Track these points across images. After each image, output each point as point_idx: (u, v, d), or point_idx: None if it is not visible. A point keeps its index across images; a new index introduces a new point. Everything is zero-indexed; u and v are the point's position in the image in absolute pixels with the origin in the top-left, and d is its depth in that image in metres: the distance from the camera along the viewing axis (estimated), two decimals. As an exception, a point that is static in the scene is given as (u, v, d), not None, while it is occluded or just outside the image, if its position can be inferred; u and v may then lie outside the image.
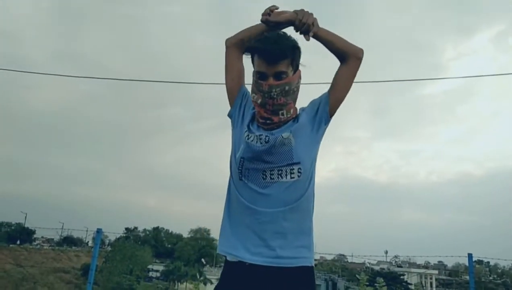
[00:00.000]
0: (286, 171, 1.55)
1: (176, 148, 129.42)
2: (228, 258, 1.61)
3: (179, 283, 48.37)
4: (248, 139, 1.60)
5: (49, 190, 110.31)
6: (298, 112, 1.67)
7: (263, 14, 1.54)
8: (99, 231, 8.29)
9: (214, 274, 53.64)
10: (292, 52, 1.58)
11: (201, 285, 9.55)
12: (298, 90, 1.63)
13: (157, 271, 57.75)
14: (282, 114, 1.58)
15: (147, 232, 73.18)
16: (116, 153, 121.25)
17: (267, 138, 1.57)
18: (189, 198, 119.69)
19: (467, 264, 7.39)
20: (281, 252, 1.52)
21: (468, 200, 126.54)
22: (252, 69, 1.65)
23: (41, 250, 46.88)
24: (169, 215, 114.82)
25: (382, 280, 7.19)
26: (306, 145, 1.58)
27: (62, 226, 44.44)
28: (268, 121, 1.60)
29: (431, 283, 50.29)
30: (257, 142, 1.58)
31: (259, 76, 1.58)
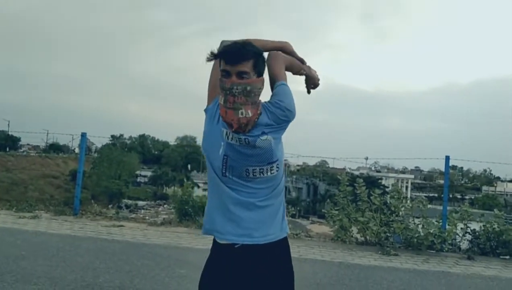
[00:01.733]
0: (267, 169, 1.70)
1: (160, 54, 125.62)
2: (218, 240, 1.76)
3: (167, 187, 50.18)
4: (228, 138, 1.70)
5: (31, 97, 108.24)
6: (260, 110, 1.73)
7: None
8: (83, 135, 8.26)
9: (201, 178, 55.58)
10: (255, 57, 1.69)
11: (191, 189, 9.99)
12: (259, 95, 1.71)
13: (145, 176, 59.44)
14: (242, 113, 1.65)
15: (133, 139, 73.93)
16: (98, 60, 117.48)
17: (246, 140, 1.67)
18: (175, 106, 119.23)
19: (442, 169, 7.71)
20: (266, 230, 1.72)
21: (451, 109, 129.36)
22: None
23: (27, 157, 47.28)
24: (154, 123, 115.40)
25: (362, 180, 7.51)
26: (280, 143, 1.75)
27: (47, 133, 44.35)
28: (232, 125, 1.67)
29: (406, 187, 53.22)
30: (238, 142, 1.68)
31: (223, 74, 1.68)
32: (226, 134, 1.70)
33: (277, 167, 1.73)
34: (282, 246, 1.76)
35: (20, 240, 5.67)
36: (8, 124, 53.02)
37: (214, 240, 1.79)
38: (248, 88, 1.65)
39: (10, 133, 50.80)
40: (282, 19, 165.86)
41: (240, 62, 1.66)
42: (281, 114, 1.74)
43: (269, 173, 1.71)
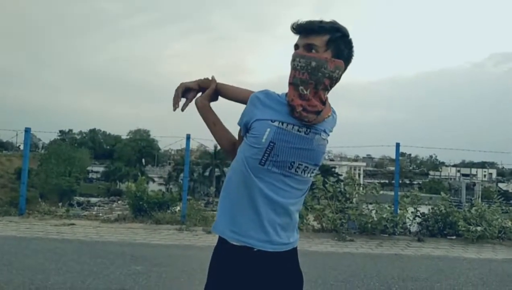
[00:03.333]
0: (309, 170, 1.55)
1: (110, 46, 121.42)
2: (232, 241, 1.55)
3: (120, 183, 48.83)
4: (281, 125, 1.50)
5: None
6: (330, 113, 1.60)
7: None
8: (27, 130, 7.81)
9: (156, 173, 54.59)
10: (332, 33, 1.51)
11: (145, 184, 9.75)
12: (329, 79, 1.51)
13: (97, 172, 57.55)
14: (302, 90, 1.48)
15: (83, 134, 71.25)
16: (45, 52, 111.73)
17: (307, 130, 1.51)
18: (125, 99, 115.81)
19: (392, 156, 8.05)
20: (287, 239, 1.57)
21: (399, 99, 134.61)
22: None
23: (-33, 155, 44.36)
24: (105, 117, 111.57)
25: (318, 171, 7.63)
26: (325, 151, 1.61)
27: (-12, 130, 41.72)
28: (294, 107, 1.49)
29: (359, 174, 54.94)
30: (295, 130, 1.51)
31: (295, 48, 1.54)
32: (280, 122, 1.51)
33: (315, 173, 1.61)
34: (295, 252, 1.65)
35: (-40, 244, 5.28)
36: None
37: (224, 240, 1.59)
38: (313, 63, 1.47)
39: None
40: (234, 9, 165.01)
41: (310, 34, 1.50)
42: (334, 126, 1.66)
43: (309, 175, 1.56)
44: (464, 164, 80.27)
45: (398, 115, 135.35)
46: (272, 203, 1.51)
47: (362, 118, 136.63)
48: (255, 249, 1.51)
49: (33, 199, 12.10)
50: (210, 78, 1.79)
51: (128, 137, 63.02)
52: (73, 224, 6.99)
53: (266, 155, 1.49)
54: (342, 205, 7.38)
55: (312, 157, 1.53)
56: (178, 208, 8.54)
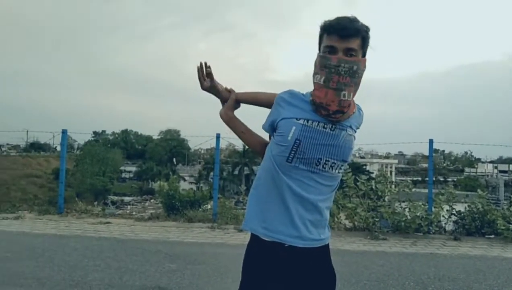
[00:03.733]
0: (337, 166, 1.57)
1: (138, 47, 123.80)
2: (264, 238, 1.58)
3: (152, 182, 49.81)
4: (307, 122, 1.54)
5: (7, 95, 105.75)
6: (355, 110, 1.63)
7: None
8: (64, 131, 8.09)
9: (186, 172, 55.38)
10: (364, 34, 1.53)
11: (177, 183, 9.97)
12: (361, 78, 1.55)
13: (129, 172, 58.86)
14: (344, 96, 1.49)
15: (116, 135, 72.98)
16: (75, 54, 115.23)
17: (333, 126, 1.54)
18: (156, 100, 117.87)
19: (425, 153, 7.86)
20: (318, 235, 1.58)
21: (432, 94, 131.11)
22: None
23: (8, 157, 46.32)
24: (137, 117, 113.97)
25: (348, 167, 7.53)
26: (353, 147, 1.63)
27: (27, 132, 43.47)
28: (328, 109, 1.52)
29: (390, 172, 53.89)
30: (320, 127, 1.54)
31: (328, 50, 1.51)
32: (305, 119, 1.54)
33: (344, 169, 1.62)
34: (327, 249, 1.65)
35: (4, 242, 5.54)
36: (-14, 125, 51.71)
37: (256, 237, 1.61)
38: (355, 67, 1.49)
39: (-12, 133, 49.48)
40: (254, 7, 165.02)
41: (350, 37, 1.50)
42: (361, 123, 1.69)
43: (337, 171, 1.58)
44: (501, 160, 77.20)
45: (431, 110, 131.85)
46: (302, 200, 1.53)
47: (393, 114, 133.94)
48: (286, 245, 1.53)
49: (70, 198, 12.51)
50: (229, 88, 1.83)
51: (159, 137, 64.15)
52: (109, 222, 7.20)
53: (293, 152, 1.52)
54: (374, 203, 7.27)
55: (339, 153, 1.55)
56: (209, 206, 8.65)
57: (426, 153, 7.82)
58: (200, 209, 8.37)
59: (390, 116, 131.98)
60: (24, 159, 45.49)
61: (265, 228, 1.56)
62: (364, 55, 1.57)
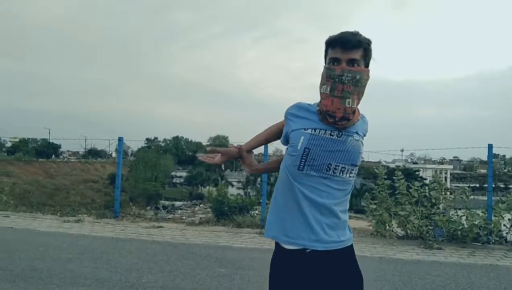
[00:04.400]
0: (348, 170, 1.66)
1: (188, 55, 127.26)
2: (285, 246, 1.67)
3: (202, 187, 50.85)
4: (314, 131, 1.65)
5: (68, 104, 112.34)
6: (360, 117, 1.74)
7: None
8: (120, 139, 8.47)
9: (234, 177, 56.08)
10: (366, 46, 1.66)
11: (223, 189, 10.21)
12: (365, 87, 1.67)
13: (180, 177, 60.45)
14: (348, 103, 1.61)
15: (168, 142, 75.24)
16: (128, 63, 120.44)
17: (340, 133, 1.64)
18: (205, 107, 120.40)
19: (482, 158, 7.50)
20: (337, 237, 1.66)
21: (487, 95, 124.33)
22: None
23: (68, 163, 49.06)
24: (187, 124, 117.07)
25: (400, 173, 7.32)
26: (362, 151, 1.72)
27: (85, 139, 45.88)
28: (334, 116, 1.63)
29: (445, 178, 51.55)
30: (329, 135, 1.64)
31: (332, 61, 1.65)
32: (313, 129, 1.65)
33: (355, 173, 1.71)
34: (351, 250, 1.71)
35: (66, 244, 5.88)
36: (49, 132, 55.37)
37: (278, 247, 1.71)
38: (358, 76, 1.61)
39: (51, 140, 52.85)
40: (302, 12, 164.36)
41: (352, 49, 1.62)
42: (367, 129, 1.82)
43: (348, 175, 1.67)
44: None
45: (488, 112, 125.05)
46: (317, 205, 1.62)
47: (447, 118, 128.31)
48: (307, 250, 1.62)
49: (124, 203, 13.07)
50: (235, 146, 1.99)
51: (208, 143, 65.43)
52: (161, 226, 7.44)
53: (303, 160, 1.62)
54: (428, 211, 7.00)
55: (347, 158, 1.65)
56: (257, 211, 8.70)
57: (484, 158, 7.47)
58: (249, 215, 8.45)
59: (444, 119, 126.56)
60: (82, 165, 48.01)
61: (286, 235, 1.65)
62: (367, 66, 1.68)
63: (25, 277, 4.23)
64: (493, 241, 6.65)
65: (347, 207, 1.73)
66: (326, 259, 1.62)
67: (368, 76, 1.67)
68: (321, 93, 1.67)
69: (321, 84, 1.67)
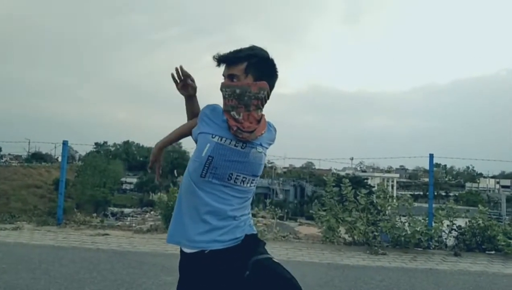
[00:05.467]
0: (248, 181, 1.72)
1: (141, 59, 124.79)
2: (186, 250, 1.72)
3: (153, 194, 49.66)
4: (220, 140, 1.69)
5: (10, 105, 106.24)
6: (265, 130, 1.77)
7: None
8: (65, 143, 8.10)
9: (180, 186, 55.33)
10: (247, 60, 1.70)
11: (175, 194, 9.97)
12: (256, 99, 1.69)
13: (130, 183, 58.86)
14: (233, 115, 1.68)
15: (118, 146, 73.12)
16: (78, 65, 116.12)
17: (244, 145, 1.69)
18: (158, 111, 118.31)
19: (426, 167, 7.79)
20: (234, 235, 1.70)
21: (433, 108, 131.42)
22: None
23: (9, 167, 46.36)
24: (138, 129, 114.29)
25: (348, 181, 7.52)
26: (264, 162, 1.79)
27: (29, 142, 43.60)
28: (234, 129, 1.69)
29: (392, 186, 53.71)
30: (233, 146, 1.69)
31: (223, 77, 1.75)
32: (219, 138, 1.69)
33: (255, 183, 1.78)
34: (252, 237, 1.75)
35: (2, 253, 5.51)
36: (-12, 134, 51.89)
37: (182, 253, 1.76)
38: (238, 90, 1.67)
39: (-11, 143, 49.62)
40: (259, 21, 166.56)
41: (230, 65, 1.71)
42: (273, 138, 1.88)
43: (249, 185, 1.73)
44: (503, 175, 76.88)
45: (432, 124, 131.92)
46: (215, 210, 1.67)
47: (395, 129, 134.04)
48: (206, 251, 1.67)
49: (70, 209, 12.49)
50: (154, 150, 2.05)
51: (160, 148, 64.13)
52: (107, 234, 7.17)
53: (206, 167, 1.67)
54: (374, 217, 7.23)
55: (249, 169, 1.71)
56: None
57: (428, 167, 7.78)
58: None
59: (391, 130, 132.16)
60: (25, 169, 45.53)
61: (188, 239, 1.69)
62: (259, 78, 1.71)
63: (-49, 289, 3.92)
64: (433, 246, 6.98)
65: (248, 211, 1.80)
66: (226, 256, 1.66)
67: (261, 89, 1.70)
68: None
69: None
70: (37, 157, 56.27)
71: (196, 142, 1.81)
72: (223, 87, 1.71)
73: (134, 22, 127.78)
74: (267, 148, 1.81)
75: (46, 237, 6.76)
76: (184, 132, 1.98)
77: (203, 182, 1.68)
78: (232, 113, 1.68)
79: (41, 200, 37.55)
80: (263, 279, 1.57)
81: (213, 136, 1.70)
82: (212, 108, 1.80)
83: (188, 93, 1.95)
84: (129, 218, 31.42)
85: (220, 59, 1.73)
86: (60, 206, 8.00)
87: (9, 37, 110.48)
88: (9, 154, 58.17)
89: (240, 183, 1.70)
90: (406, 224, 7.09)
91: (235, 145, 1.69)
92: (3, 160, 55.25)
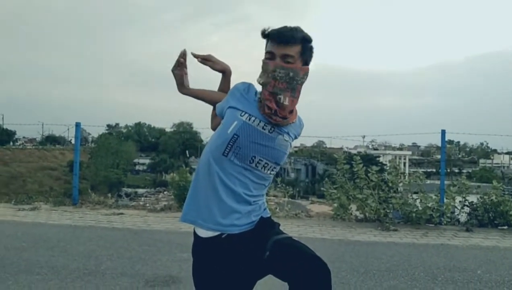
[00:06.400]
0: (270, 167, 1.66)
1: (149, 40, 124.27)
2: (201, 234, 1.66)
3: (166, 174, 50.24)
4: (248, 120, 1.63)
5: (22, 89, 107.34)
6: (296, 119, 1.74)
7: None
8: (78, 125, 8.21)
9: (198, 163, 55.78)
10: (303, 42, 1.62)
11: (188, 174, 10.07)
12: (301, 86, 1.65)
13: (143, 164, 59.48)
14: (280, 99, 1.59)
15: (129, 128, 73.68)
16: (86, 49, 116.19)
17: (272, 129, 1.63)
18: (168, 93, 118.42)
19: (439, 144, 7.71)
20: (250, 219, 1.66)
21: (448, 85, 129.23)
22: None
23: (25, 150, 47.15)
24: (149, 110, 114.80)
25: (359, 158, 7.52)
26: (288, 152, 1.73)
27: (42, 125, 44.18)
28: (270, 107, 1.62)
29: (404, 163, 53.33)
30: (260, 127, 1.63)
31: (268, 56, 1.63)
32: (249, 116, 1.63)
33: (275, 172, 1.72)
34: (267, 220, 1.72)
35: (20, 232, 5.68)
36: (2, 118, 52.66)
37: (196, 234, 1.71)
38: (291, 74, 1.60)
39: (4, 126, 50.38)
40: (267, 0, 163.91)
41: (287, 44, 1.60)
42: (299, 133, 1.81)
43: (269, 172, 1.67)
44: (518, 151, 75.74)
45: (447, 101, 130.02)
46: (232, 193, 1.61)
47: (408, 106, 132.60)
48: (223, 235, 1.62)
49: (85, 190, 12.75)
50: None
51: (172, 130, 64.64)
52: (122, 213, 7.32)
53: (230, 146, 1.60)
54: (386, 194, 7.25)
55: (272, 155, 1.65)
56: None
57: (440, 144, 7.72)
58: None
59: (403, 107, 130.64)
60: (40, 152, 46.29)
61: (203, 219, 1.63)
62: (305, 63, 1.66)
63: (-25, 267, 4.07)
64: (445, 222, 6.99)
65: (263, 196, 1.75)
66: (243, 240, 1.62)
67: (305, 74, 1.65)
68: (259, 84, 1.67)
69: (259, 76, 1.66)
70: (50, 139, 57.03)
71: (221, 116, 1.75)
72: (277, 68, 1.59)
73: (140, 3, 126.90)
74: (293, 139, 1.74)
75: (63, 217, 6.93)
76: (209, 97, 1.94)
77: (224, 161, 1.61)
78: (278, 96, 1.59)
79: (57, 182, 38.29)
80: (285, 258, 1.53)
81: (242, 113, 1.65)
82: (247, 85, 1.75)
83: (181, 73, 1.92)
84: (143, 198, 31.84)
85: (279, 36, 1.61)
86: (75, 186, 8.16)
87: (18, 20, 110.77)
88: (24, 137, 59.03)
89: (262, 168, 1.64)
90: (418, 200, 7.10)
91: (263, 128, 1.63)
92: (18, 143, 56.16)
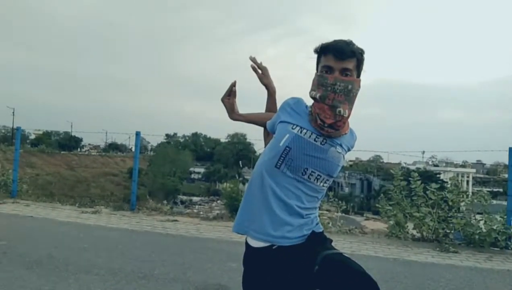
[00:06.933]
0: (323, 180, 1.66)
1: (208, 53, 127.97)
2: (253, 244, 1.69)
3: (219, 183, 51.10)
4: (300, 132, 1.65)
5: (89, 99, 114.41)
6: (348, 131, 1.75)
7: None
8: (138, 133, 8.59)
9: (251, 175, 56.27)
10: (358, 56, 1.65)
11: (240, 184, 10.23)
12: (355, 97, 1.66)
13: (198, 173, 60.97)
14: (339, 112, 1.60)
15: (187, 138, 75.95)
16: (149, 61, 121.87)
17: (324, 141, 1.65)
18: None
19: (506, 162, 7.19)
20: (301, 233, 1.66)
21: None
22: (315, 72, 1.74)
23: (89, 156, 49.99)
24: (206, 121, 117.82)
25: (417, 174, 7.20)
26: (341, 165, 1.73)
27: (106, 133, 46.73)
28: (324, 121, 1.63)
29: (467, 182, 50.41)
30: (312, 139, 1.64)
31: (325, 70, 1.64)
32: (300, 129, 1.65)
33: (328, 184, 1.72)
34: (319, 234, 1.71)
35: (83, 234, 6.01)
36: (71, 126, 56.52)
37: (248, 244, 1.73)
38: (350, 86, 1.61)
39: (73, 134, 53.99)
40: (324, 12, 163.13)
41: (346, 58, 1.62)
42: (352, 145, 1.81)
43: (322, 184, 1.67)
44: None
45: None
46: (285, 205, 1.62)
47: (472, 121, 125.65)
48: (274, 247, 1.62)
49: (143, 196, 13.28)
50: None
51: (226, 140, 65.72)
52: (176, 220, 7.52)
53: (282, 158, 1.62)
54: (445, 213, 6.87)
55: (325, 167, 1.65)
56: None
57: (508, 162, 7.21)
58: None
59: (467, 122, 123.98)
60: (103, 158, 48.86)
61: (254, 230, 1.66)
62: (358, 75, 1.68)
63: (41, 264, 4.36)
64: (512, 246, 6.49)
65: (316, 210, 1.74)
66: (294, 252, 1.62)
67: (359, 86, 1.67)
68: (311, 98, 1.68)
69: (312, 90, 1.67)
70: (113, 147, 60.12)
71: (273, 132, 1.79)
72: (338, 81, 1.60)
73: (200, 17, 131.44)
74: (346, 151, 1.74)
75: (121, 221, 7.25)
76: (259, 119, 2.01)
77: (277, 173, 1.63)
78: (338, 109, 1.59)
79: (117, 187, 40.12)
80: (334, 273, 1.52)
81: (294, 126, 1.67)
82: (297, 100, 1.78)
83: (267, 82, 2.02)
84: (197, 206, 32.60)
85: (338, 51, 1.62)
86: (133, 192, 8.52)
87: (87, 33, 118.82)
88: (89, 144, 62.76)
89: (314, 180, 1.64)
90: (482, 221, 6.66)
91: (315, 140, 1.64)
92: (84, 150, 59.76)
